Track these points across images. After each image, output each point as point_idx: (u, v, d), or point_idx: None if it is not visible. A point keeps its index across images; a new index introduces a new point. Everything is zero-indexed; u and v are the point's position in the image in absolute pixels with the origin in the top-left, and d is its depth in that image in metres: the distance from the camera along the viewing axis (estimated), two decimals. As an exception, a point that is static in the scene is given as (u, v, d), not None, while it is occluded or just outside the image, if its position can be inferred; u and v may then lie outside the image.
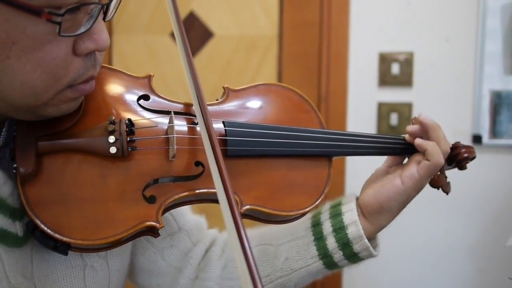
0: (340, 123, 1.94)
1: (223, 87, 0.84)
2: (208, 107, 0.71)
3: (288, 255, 0.88)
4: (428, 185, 0.88)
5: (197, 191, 0.74)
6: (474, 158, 0.91)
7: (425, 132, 0.85)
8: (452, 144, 0.92)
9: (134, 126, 0.72)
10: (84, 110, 0.72)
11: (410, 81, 1.90)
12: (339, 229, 0.84)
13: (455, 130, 1.88)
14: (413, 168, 0.83)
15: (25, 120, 0.68)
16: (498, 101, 1.84)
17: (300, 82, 2.01)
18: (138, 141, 0.72)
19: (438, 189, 0.89)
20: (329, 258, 0.86)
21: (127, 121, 0.71)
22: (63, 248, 0.66)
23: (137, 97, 0.77)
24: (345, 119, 1.95)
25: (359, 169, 1.92)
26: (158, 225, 0.70)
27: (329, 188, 0.82)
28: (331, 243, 0.85)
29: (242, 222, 0.55)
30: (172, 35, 2.09)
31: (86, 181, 0.69)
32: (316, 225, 0.87)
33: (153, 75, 0.81)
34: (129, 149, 0.71)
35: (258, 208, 0.76)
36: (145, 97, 0.78)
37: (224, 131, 0.77)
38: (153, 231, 0.71)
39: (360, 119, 1.94)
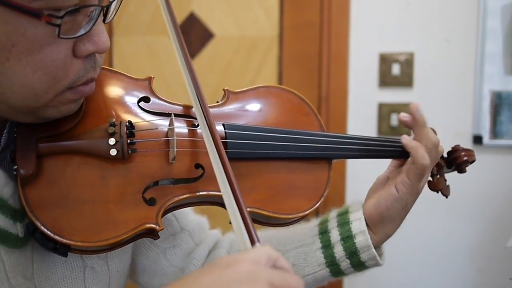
0: (341, 124, 1.94)
1: (224, 89, 0.84)
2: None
3: (295, 262, 0.88)
4: (427, 187, 0.88)
5: (197, 194, 0.74)
6: (473, 161, 0.91)
7: (413, 125, 0.85)
8: (452, 147, 0.92)
9: (134, 128, 0.72)
10: (85, 112, 0.72)
11: (411, 82, 1.90)
12: (347, 238, 0.84)
13: (455, 131, 1.88)
14: (404, 174, 0.83)
15: (25, 122, 0.68)
16: (499, 102, 1.84)
17: (300, 82, 2.01)
18: (138, 143, 0.72)
19: (438, 192, 0.89)
20: (336, 266, 0.86)
21: (127, 123, 0.72)
22: (63, 249, 0.66)
23: (137, 99, 0.77)
24: (345, 120, 1.94)
25: (360, 171, 1.92)
26: (157, 227, 0.70)
27: (329, 191, 0.82)
28: (339, 251, 0.85)
29: (250, 217, 0.56)
30: (173, 35, 2.09)
31: (86, 183, 0.69)
32: (324, 232, 0.87)
33: (154, 77, 0.81)
34: (129, 151, 0.71)
35: (258, 210, 0.76)
36: (146, 99, 0.78)
37: (224, 133, 0.77)
38: (152, 233, 0.71)
39: (361, 120, 1.94)
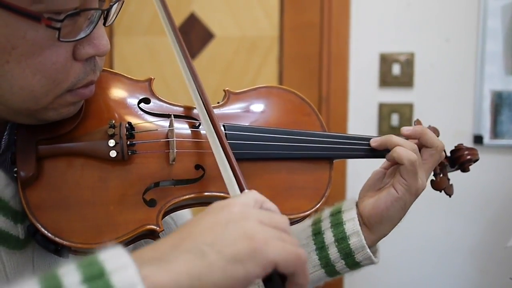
0: (341, 124, 1.94)
1: (224, 90, 0.84)
2: None
3: None
4: (430, 187, 0.87)
5: (198, 194, 0.74)
6: (477, 160, 0.90)
7: (415, 138, 0.85)
8: (455, 146, 0.91)
9: (134, 130, 0.72)
10: (85, 113, 0.72)
11: (411, 82, 1.90)
12: (341, 239, 0.84)
13: (456, 131, 1.88)
14: (398, 174, 0.82)
15: (25, 124, 0.68)
16: (499, 101, 1.84)
17: (300, 83, 2.01)
18: (138, 144, 0.72)
19: (441, 191, 0.89)
20: (331, 267, 0.86)
21: (127, 125, 0.72)
22: (64, 251, 0.66)
23: (137, 100, 0.77)
24: (346, 120, 1.94)
25: (361, 171, 1.92)
26: (158, 228, 0.70)
27: (330, 191, 0.82)
28: (333, 253, 0.85)
29: (238, 166, 0.64)
30: (173, 36, 2.08)
31: (87, 184, 0.69)
32: (317, 233, 0.87)
33: (154, 78, 0.81)
34: (129, 153, 0.71)
35: (259, 211, 0.75)
36: (146, 101, 0.78)
37: (224, 134, 0.77)
38: (153, 235, 0.71)
39: (361, 120, 1.94)
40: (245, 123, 0.82)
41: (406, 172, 0.80)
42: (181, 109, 0.79)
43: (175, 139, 0.73)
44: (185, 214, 0.95)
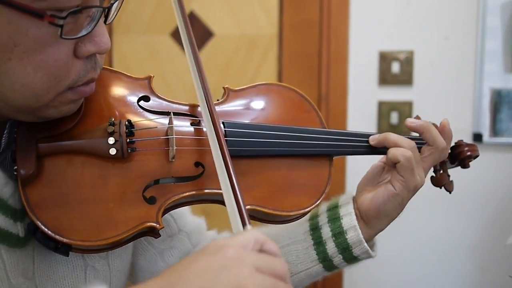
0: (341, 122, 1.94)
1: (223, 88, 0.84)
2: None
3: (287, 259, 0.88)
4: (430, 183, 0.87)
5: (197, 192, 0.74)
6: (477, 156, 0.90)
7: (420, 133, 0.85)
8: (455, 143, 0.91)
9: (134, 127, 0.72)
10: (85, 111, 0.73)
11: (411, 80, 1.90)
12: (339, 234, 0.84)
13: (455, 129, 1.85)
14: (395, 170, 0.82)
15: (26, 122, 0.68)
16: (499, 99, 1.84)
17: (300, 81, 2.01)
18: (137, 142, 0.72)
19: (441, 188, 0.89)
20: (329, 261, 0.86)
21: (126, 123, 0.72)
22: (64, 249, 0.67)
23: (137, 98, 0.78)
24: (345, 118, 1.95)
25: (360, 168, 1.91)
26: (158, 225, 0.70)
27: (329, 188, 0.82)
28: (331, 247, 0.85)
29: (237, 178, 0.60)
30: (172, 35, 2.09)
31: (87, 182, 0.69)
32: (315, 229, 0.87)
33: (153, 76, 0.81)
34: (129, 150, 0.71)
35: (259, 208, 0.76)
36: (145, 98, 0.78)
37: (224, 131, 0.77)
38: (153, 232, 0.72)
39: (361, 118, 1.94)
40: (245, 120, 0.82)
41: (403, 169, 0.80)
42: (181, 106, 0.79)
43: (174, 136, 0.73)
44: (185, 211, 0.95)
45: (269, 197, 0.77)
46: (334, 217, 0.86)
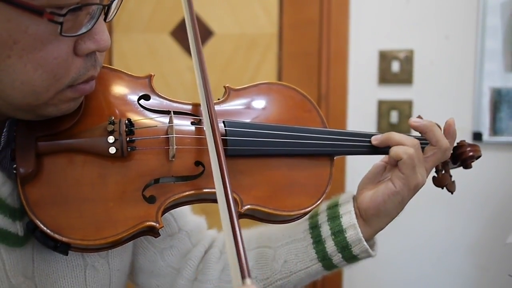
0: (340, 121, 1.94)
1: (224, 87, 0.84)
2: None
3: (287, 258, 0.88)
4: (430, 183, 0.87)
5: (197, 191, 0.74)
6: (479, 157, 0.90)
7: (423, 133, 0.84)
8: (457, 143, 0.91)
9: (134, 126, 0.72)
10: (84, 110, 0.72)
11: (410, 79, 1.90)
12: (338, 232, 0.84)
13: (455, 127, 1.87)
14: (397, 168, 0.82)
15: (25, 120, 0.68)
16: (498, 98, 1.84)
17: (300, 80, 2.01)
18: (137, 141, 0.72)
19: (443, 188, 0.88)
20: (328, 260, 0.85)
21: (126, 121, 0.72)
22: (63, 248, 0.66)
23: (137, 97, 0.77)
24: (345, 117, 1.94)
25: (360, 167, 1.91)
26: (158, 225, 0.70)
27: (330, 187, 0.82)
28: (330, 246, 0.85)
29: (238, 222, 0.56)
30: (172, 33, 2.08)
31: (86, 181, 0.69)
32: (314, 227, 0.87)
33: (154, 75, 0.81)
34: (129, 149, 0.71)
35: (259, 208, 0.75)
36: (146, 97, 0.78)
37: (224, 130, 0.77)
38: (153, 231, 0.71)
39: (360, 117, 1.94)
40: (246, 119, 0.81)
41: (405, 166, 0.80)
42: (181, 105, 0.79)
43: (174, 135, 0.73)
44: (185, 210, 0.95)
45: (269, 196, 0.77)
46: (333, 216, 0.86)
